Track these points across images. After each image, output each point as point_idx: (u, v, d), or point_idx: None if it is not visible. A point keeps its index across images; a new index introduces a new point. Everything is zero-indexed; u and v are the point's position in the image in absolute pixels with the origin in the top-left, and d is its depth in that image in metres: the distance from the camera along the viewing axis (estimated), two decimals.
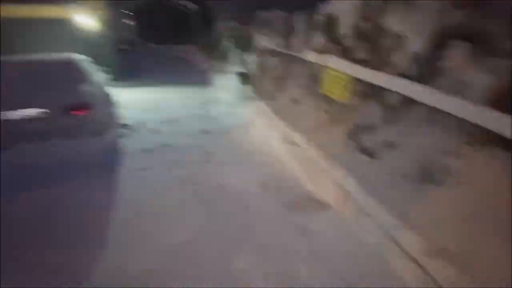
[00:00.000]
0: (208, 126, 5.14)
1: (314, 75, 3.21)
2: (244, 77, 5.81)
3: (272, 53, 4.36)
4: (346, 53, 2.68)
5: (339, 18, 2.75)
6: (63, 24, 7.36)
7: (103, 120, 4.51)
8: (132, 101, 7.26)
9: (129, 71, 10.17)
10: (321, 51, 2.90)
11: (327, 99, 2.87)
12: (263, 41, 4.49)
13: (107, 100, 5.51)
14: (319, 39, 2.99)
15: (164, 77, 10.35)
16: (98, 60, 8.41)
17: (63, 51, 7.26)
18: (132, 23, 15.92)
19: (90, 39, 7.97)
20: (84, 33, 7.79)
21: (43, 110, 3.72)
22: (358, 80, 2.50)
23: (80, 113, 3.94)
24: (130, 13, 15.36)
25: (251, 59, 5.38)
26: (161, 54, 14.81)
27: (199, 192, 3.14)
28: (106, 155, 4.00)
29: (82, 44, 7.86)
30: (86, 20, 7.59)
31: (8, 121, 3.60)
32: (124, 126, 5.16)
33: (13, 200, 2.99)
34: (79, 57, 5.30)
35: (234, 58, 7.18)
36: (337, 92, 2.49)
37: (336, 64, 2.50)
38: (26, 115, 3.69)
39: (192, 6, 15.70)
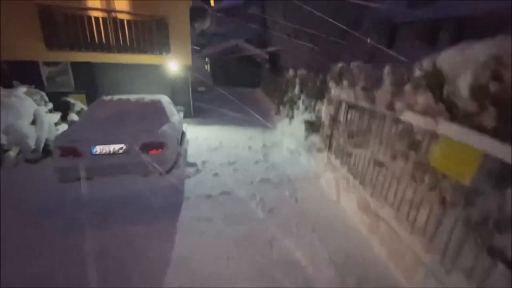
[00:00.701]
0: (269, 174, 4.84)
1: (409, 138, 2.64)
2: (313, 126, 5.48)
3: (350, 105, 3.95)
4: (463, 118, 2.10)
5: (453, 72, 2.23)
6: (154, 70, 8.56)
7: (173, 159, 4.68)
8: (200, 138, 7.63)
9: (201, 110, 11.08)
10: (424, 111, 2.37)
11: (432, 172, 2.24)
12: (339, 91, 4.15)
13: (180, 139, 5.83)
14: (419, 96, 2.49)
15: (231, 117, 10.93)
16: (178, 100, 9.53)
17: (153, 92, 8.39)
18: (209, 68, 17.97)
19: (174, 82, 9.03)
20: (170, 77, 8.89)
21: (126, 146, 4.01)
22: (487, 156, 1.86)
23: (156, 151, 4.12)
24: (208, 60, 17.44)
25: (322, 109, 5.06)
26: (231, 96, 15.99)
27: (258, 262, 2.70)
28: (171, 196, 3.98)
29: (167, 86, 8.98)
30: (173, 66, 8.68)
31: (96, 155, 3.96)
32: (191, 165, 5.27)
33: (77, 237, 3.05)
34: (165, 99, 5.89)
35: (302, 106, 7.01)
36: (454, 167, 1.89)
37: (454, 131, 1.94)
38: (111, 150, 4.02)
39: (264, 55, 16.97)
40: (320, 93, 5.41)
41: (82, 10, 7.10)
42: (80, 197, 3.65)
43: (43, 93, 6.77)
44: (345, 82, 4.18)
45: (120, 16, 7.49)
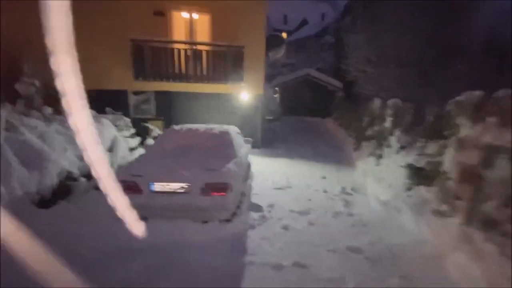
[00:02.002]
0: (359, 239, 3.54)
1: None
2: (421, 174, 4.02)
3: (484, 147, 2.54)
4: None
5: None
6: (225, 99, 8.44)
7: (236, 202, 3.92)
8: (266, 172, 6.84)
9: (268, 140, 10.50)
10: None
11: None
12: (480, 131, 2.75)
13: (245, 177, 5.14)
14: None
15: (301, 149, 9.95)
16: (247, 130, 9.23)
17: (223, 121, 8.23)
18: (278, 96, 17.78)
19: (244, 111, 8.74)
20: (240, 106, 8.64)
21: (186, 185, 3.44)
22: None
23: (218, 194, 3.43)
24: (277, 90, 17.28)
25: (446, 154, 3.63)
26: (299, 125, 15.19)
27: None
28: (231, 254, 3.13)
29: (237, 116, 8.76)
30: (244, 95, 8.42)
31: (154, 192, 3.49)
32: (255, 208, 4.42)
33: None
34: (233, 130, 5.39)
35: (397, 144, 5.56)
36: None
37: None
38: (170, 189, 3.50)
39: (337, 83, 15.87)
40: (432, 131, 3.99)
41: (169, 43, 7.56)
42: (132, 244, 3.13)
43: (128, 119, 7.21)
44: (491, 119, 2.78)
45: (200, 47, 7.71)
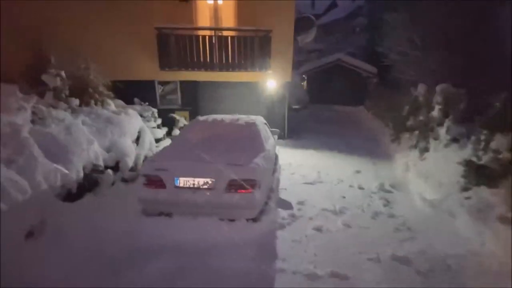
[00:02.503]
0: (406, 247, 3.06)
1: None
2: (482, 173, 3.38)
3: None
4: None
5: None
6: (251, 87, 8.06)
7: (264, 199, 3.62)
8: (294, 165, 6.45)
9: (295, 130, 10.01)
10: None
11: None
12: None
13: (273, 170, 4.83)
14: None
15: (330, 140, 9.35)
16: (273, 120, 8.84)
17: (249, 111, 7.92)
18: (305, 85, 16.98)
19: (270, 101, 8.32)
20: (266, 95, 8.22)
21: (211, 181, 3.20)
22: None
23: (245, 191, 3.15)
24: (305, 77, 16.47)
25: (502, 144, 3.00)
26: (330, 114, 14.40)
27: None
28: (259, 258, 2.86)
29: (263, 105, 8.37)
30: (271, 84, 7.97)
31: (179, 188, 3.30)
32: (284, 205, 4.10)
33: None
34: (260, 121, 5.04)
35: (447, 135, 4.84)
36: None
37: None
38: (195, 184, 3.29)
39: (371, 68, 14.68)
40: (499, 122, 3.30)
41: (194, 31, 7.30)
42: (155, 242, 2.98)
43: (155, 110, 7.17)
44: None
45: (226, 33, 7.34)
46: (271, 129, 6.03)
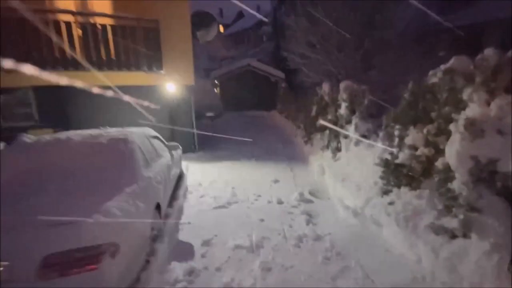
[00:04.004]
0: (340, 283, 2.33)
1: None
2: (401, 172, 3.03)
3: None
4: None
5: None
6: (145, 93, 6.48)
7: (134, 269, 2.23)
8: (205, 183, 5.28)
9: (208, 141, 8.87)
10: None
11: None
12: (499, 107, 1.73)
13: (170, 196, 3.51)
14: None
15: (246, 147, 8.62)
16: (178, 131, 7.43)
17: (143, 123, 6.28)
18: (218, 91, 16.13)
19: (173, 109, 6.92)
20: (167, 103, 6.79)
21: (5, 266, 1.64)
22: None
23: (85, 269, 1.73)
24: (218, 83, 15.65)
25: (418, 139, 2.68)
26: (244, 120, 13.88)
27: None
28: None
29: (164, 115, 6.89)
30: (170, 88, 6.61)
31: None
32: (182, 250, 2.86)
33: None
34: (142, 135, 3.65)
35: (356, 133, 4.61)
36: None
37: None
38: None
39: (280, 73, 15.04)
40: (410, 115, 3.00)
41: (47, 13, 5.24)
42: None
43: None
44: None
45: (99, 20, 5.55)
46: (168, 144, 4.69)
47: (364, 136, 4.62)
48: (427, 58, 7.74)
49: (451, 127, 2.28)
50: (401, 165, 3.01)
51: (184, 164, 6.48)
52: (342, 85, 5.35)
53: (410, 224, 2.63)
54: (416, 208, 2.66)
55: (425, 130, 2.73)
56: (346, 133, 5.00)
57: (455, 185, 2.23)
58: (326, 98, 6.35)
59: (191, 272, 2.53)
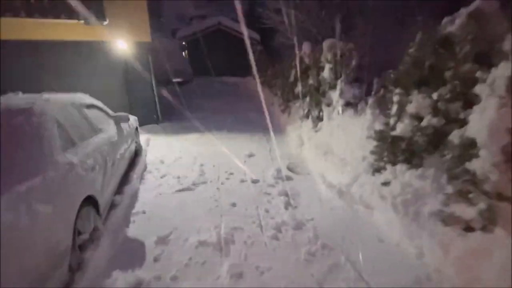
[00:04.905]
0: (329, 283, 1.88)
1: None
2: (397, 146, 2.53)
3: None
4: None
5: None
6: (90, 51, 5.22)
7: None
8: (168, 161, 4.55)
9: (174, 110, 7.88)
10: None
11: None
12: None
13: (115, 188, 2.78)
14: None
15: (218, 117, 7.83)
16: (137, 97, 6.31)
17: (91, 89, 5.13)
18: (187, 54, 14.53)
19: (128, 72, 5.76)
20: (119, 64, 5.60)
21: None
22: None
23: None
24: (185, 44, 13.99)
25: (424, 106, 2.13)
26: (215, 87, 12.74)
27: None
28: None
29: (116, 79, 5.73)
30: (121, 45, 5.39)
31: None
32: (130, 258, 2.21)
33: None
34: (75, 103, 2.72)
35: (341, 100, 4.02)
36: None
37: None
38: None
39: (255, 34, 13.71)
40: (418, 74, 2.40)
41: None
42: None
43: None
44: None
45: None
46: (115, 114, 3.77)
47: (350, 104, 4.05)
48: (408, 21, 7.13)
49: (479, 89, 1.71)
50: (399, 138, 2.48)
51: (144, 137, 5.59)
52: (325, 44, 4.60)
53: (410, 210, 2.18)
54: (418, 191, 2.19)
55: (434, 95, 2.16)
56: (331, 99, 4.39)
57: (476, 165, 1.73)
58: (307, 60, 5.59)
59: (137, 286, 1.91)
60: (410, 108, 2.37)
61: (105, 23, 4.71)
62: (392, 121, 2.63)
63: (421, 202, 2.14)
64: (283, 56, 9.51)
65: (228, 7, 23.35)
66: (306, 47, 5.75)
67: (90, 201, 2.20)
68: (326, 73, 4.49)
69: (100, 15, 4.54)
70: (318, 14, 7.65)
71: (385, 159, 2.70)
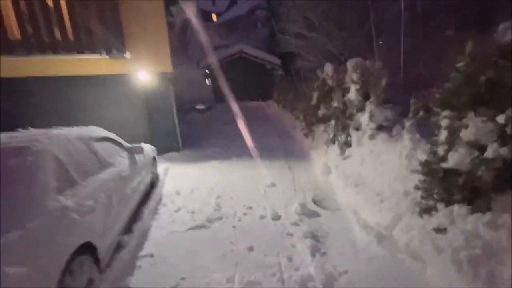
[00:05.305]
0: None
1: None
2: (449, 180, 2.01)
3: None
4: None
5: None
6: (112, 85, 5.36)
7: None
8: (184, 192, 4.29)
9: (195, 138, 7.83)
10: None
11: None
12: None
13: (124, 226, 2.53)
14: None
15: (237, 143, 7.59)
16: (158, 126, 6.34)
17: (113, 121, 5.19)
18: (210, 81, 14.96)
19: (150, 102, 5.83)
20: (141, 95, 5.69)
21: None
22: None
23: None
24: (209, 72, 14.45)
25: (490, 131, 1.62)
26: (237, 112, 12.76)
27: None
28: None
29: (139, 110, 5.81)
30: (142, 76, 5.50)
31: None
32: None
33: None
34: (84, 137, 2.61)
35: (372, 123, 3.57)
36: None
37: None
38: None
39: (275, 59, 13.84)
40: (471, 93, 1.95)
41: None
42: None
43: None
44: None
45: None
46: (130, 146, 3.65)
47: (382, 127, 3.58)
48: (436, 36, 6.62)
49: None
50: (454, 172, 1.97)
51: (163, 166, 5.46)
52: (350, 63, 4.26)
53: (481, 271, 1.62)
54: (491, 245, 1.64)
55: (500, 118, 1.69)
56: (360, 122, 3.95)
57: None
58: (330, 81, 5.26)
59: None
60: (466, 135, 1.89)
61: (126, 55, 4.83)
62: (441, 150, 2.14)
63: (496, 261, 1.59)
64: (305, 79, 9.32)
65: (248, 38, 24.33)
66: (329, 68, 5.45)
67: (87, 248, 1.94)
68: (352, 95, 4.10)
69: (120, 48, 4.67)
70: (338, 35, 7.45)
71: (435, 196, 2.17)
